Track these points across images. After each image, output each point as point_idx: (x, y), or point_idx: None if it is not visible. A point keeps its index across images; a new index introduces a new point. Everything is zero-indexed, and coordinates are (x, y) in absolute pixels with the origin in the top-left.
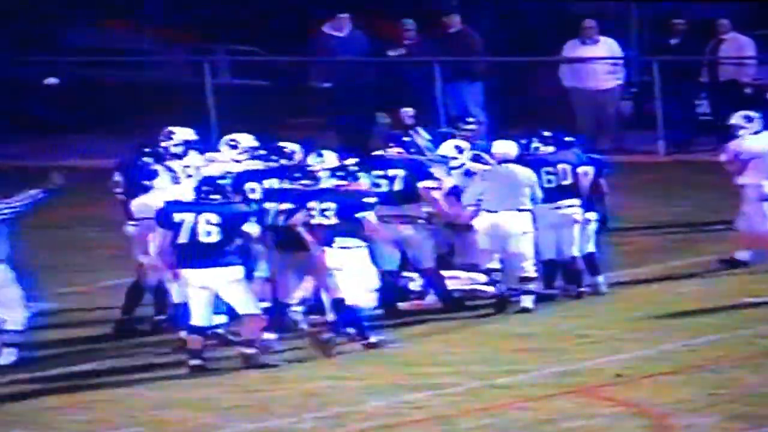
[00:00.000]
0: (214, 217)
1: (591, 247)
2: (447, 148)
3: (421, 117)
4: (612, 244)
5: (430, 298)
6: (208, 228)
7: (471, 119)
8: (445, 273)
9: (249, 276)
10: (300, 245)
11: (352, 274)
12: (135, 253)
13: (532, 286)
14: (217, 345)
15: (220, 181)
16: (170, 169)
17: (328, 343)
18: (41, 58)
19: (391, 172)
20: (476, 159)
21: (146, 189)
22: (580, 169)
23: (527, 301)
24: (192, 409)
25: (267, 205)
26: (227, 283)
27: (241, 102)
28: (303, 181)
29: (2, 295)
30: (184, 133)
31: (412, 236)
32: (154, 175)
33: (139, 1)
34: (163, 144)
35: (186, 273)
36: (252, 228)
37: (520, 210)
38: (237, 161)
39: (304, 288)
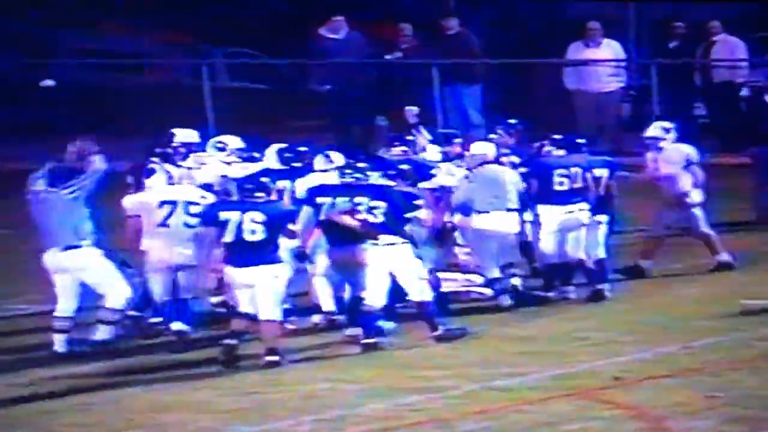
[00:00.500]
0: (258, 216)
1: (601, 253)
2: (434, 153)
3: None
4: (611, 247)
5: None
6: (253, 226)
7: (457, 140)
8: (441, 275)
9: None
10: (346, 240)
11: (403, 270)
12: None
13: (517, 281)
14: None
15: (262, 179)
16: (166, 169)
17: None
18: (38, 60)
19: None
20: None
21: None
22: (596, 172)
23: (506, 300)
24: (190, 411)
25: (319, 199)
26: (266, 281)
27: (239, 105)
28: (348, 178)
29: (100, 273)
30: (185, 135)
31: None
32: (150, 173)
33: (138, 3)
34: (173, 145)
35: (230, 271)
36: (295, 227)
37: (509, 210)
38: (226, 163)
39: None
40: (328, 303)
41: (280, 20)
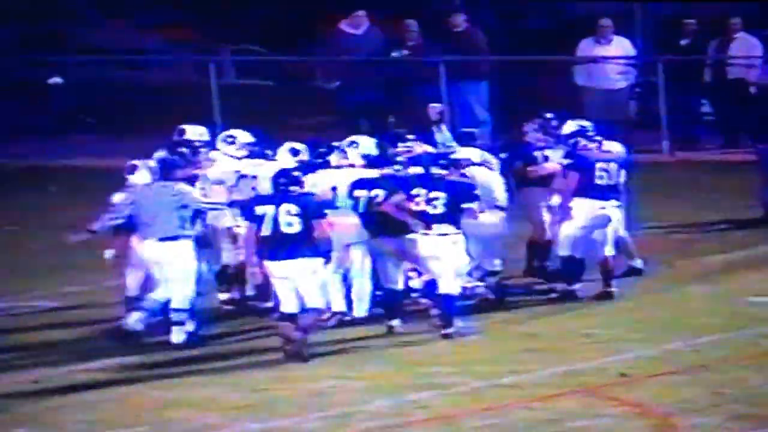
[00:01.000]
0: (293, 208)
1: (610, 251)
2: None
3: (423, 117)
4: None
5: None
6: (288, 219)
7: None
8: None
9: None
10: (395, 230)
11: (449, 260)
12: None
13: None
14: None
15: (294, 173)
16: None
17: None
18: (47, 57)
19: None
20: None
21: None
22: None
23: (490, 294)
24: (196, 408)
25: (357, 192)
26: (306, 274)
27: (246, 102)
28: (395, 167)
29: (173, 269)
30: (194, 132)
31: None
32: (132, 170)
33: (146, 0)
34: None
35: (269, 264)
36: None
37: (496, 207)
38: (236, 158)
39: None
40: (339, 303)
41: (287, 17)
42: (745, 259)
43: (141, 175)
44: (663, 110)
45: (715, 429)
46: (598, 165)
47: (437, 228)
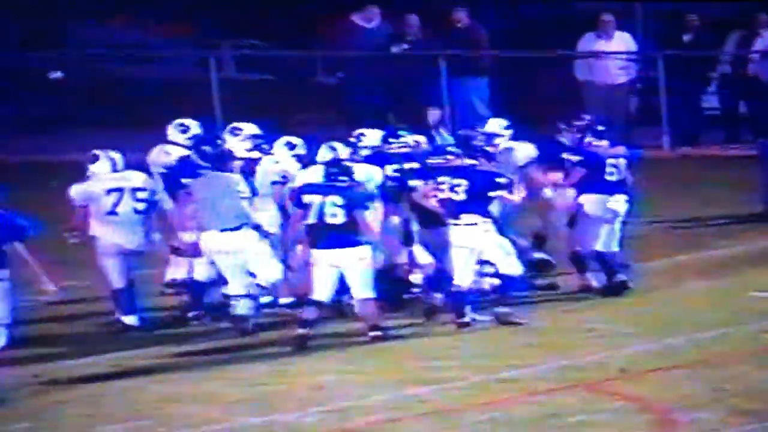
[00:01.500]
0: (338, 199)
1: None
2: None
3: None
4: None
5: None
6: (333, 210)
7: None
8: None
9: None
10: (431, 221)
11: (489, 247)
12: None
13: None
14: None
15: (346, 164)
16: (111, 157)
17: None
18: (47, 52)
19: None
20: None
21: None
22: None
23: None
24: (198, 402)
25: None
26: (352, 263)
27: (246, 96)
28: (434, 159)
29: (254, 254)
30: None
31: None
32: (94, 160)
33: None
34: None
35: (314, 252)
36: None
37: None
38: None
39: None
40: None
41: (288, 11)
42: (746, 254)
43: (102, 165)
44: (663, 106)
45: (716, 424)
46: (609, 161)
47: (466, 218)
